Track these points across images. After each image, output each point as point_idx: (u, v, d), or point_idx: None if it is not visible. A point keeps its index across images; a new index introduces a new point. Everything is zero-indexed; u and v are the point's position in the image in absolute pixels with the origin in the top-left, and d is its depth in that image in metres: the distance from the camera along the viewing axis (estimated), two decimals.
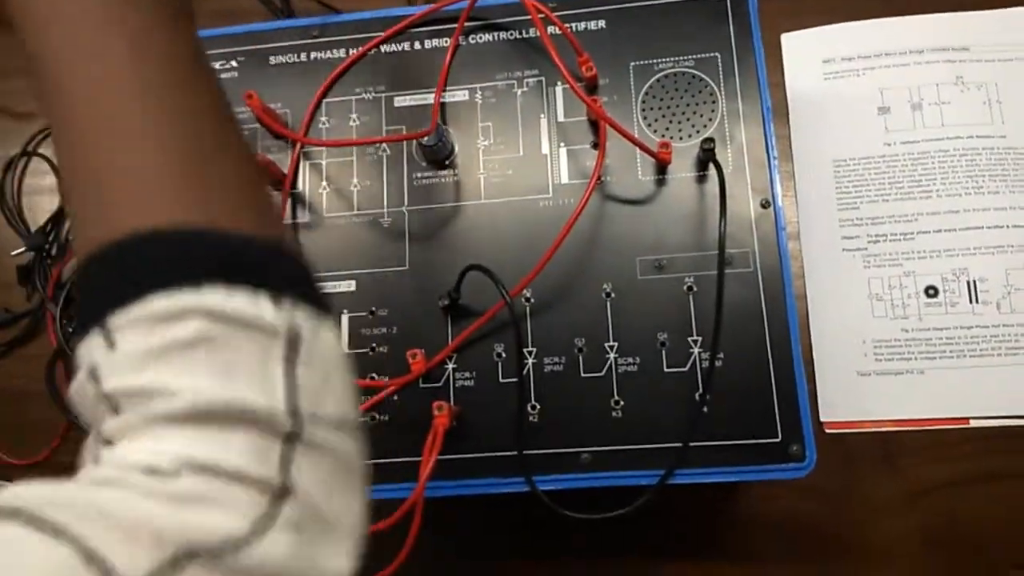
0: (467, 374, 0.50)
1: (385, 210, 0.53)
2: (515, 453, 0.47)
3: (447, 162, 0.53)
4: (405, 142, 0.54)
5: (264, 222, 0.29)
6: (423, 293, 0.51)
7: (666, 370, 0.48)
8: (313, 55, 0.57)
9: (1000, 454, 0.55)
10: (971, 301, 0.57)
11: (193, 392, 0.24)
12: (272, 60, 0.57)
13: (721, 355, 0.48)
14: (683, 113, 0.52)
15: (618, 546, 0.56)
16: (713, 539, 0.56)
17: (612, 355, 0.49)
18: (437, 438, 0.46)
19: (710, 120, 0.52)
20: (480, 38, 0.55)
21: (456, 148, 0.54)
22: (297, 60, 0.57)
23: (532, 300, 0.50)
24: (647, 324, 0.49)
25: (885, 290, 0.58)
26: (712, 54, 0.53)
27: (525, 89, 0.54)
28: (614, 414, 0.48)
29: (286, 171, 0.54)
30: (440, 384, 0.50)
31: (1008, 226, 0.57)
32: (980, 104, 0.60)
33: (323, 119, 0.55)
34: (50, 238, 0.67)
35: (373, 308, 0.51)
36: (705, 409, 0.47)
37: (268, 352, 0.25)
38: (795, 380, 0.47)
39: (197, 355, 0.24)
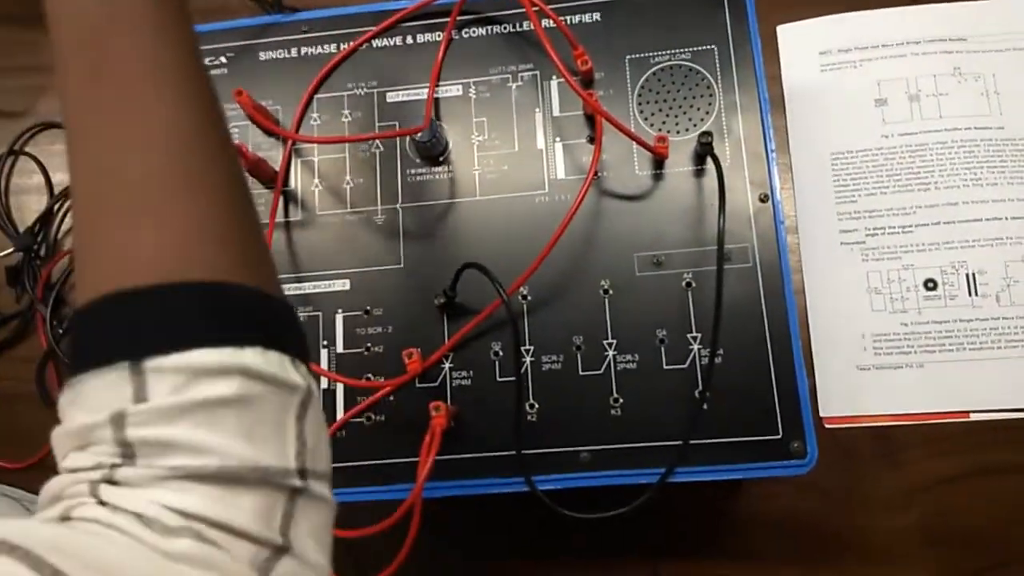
0: (464, 373, 0.49)
1: (379, 207, 0.52)
2: (514, 453, 0.47)
3: (441, 158, 0.53)
4: (398, 138, 0.53)
5: (273, 277, 0.30)
6: (418, 292, 0.50)
7: (665, 367, 0.48)
8: (304, 50, 0.56)
9: (1001, 447, 0.55)
10: (970, 294, 0.56)
11: (222, 454, 0.24)
12: (262, 56, 0.56)
13: (721, 352, 0.47)
14: (680, 107, 0.51)
15: (618, 545, 0.55)
16: (713, 538, 0.55)
17: (611, 353, 0.48)
18: (435, 439, 0.45)
19: (707, 114, 0.51)
20: (473, 32, 0.55)
21: (450, 144, 0.53)
22: (287, 56, 0.56)
23: (529, 298, 0.50)
24: (646, 321, 0.48)
25: (884, 284, 0.57)
26: (709, 46, 0.52)
27: (520, 83, 0.53)
28: (613, 412, 0.47)
29: (277, 169, 0.53)
30: (437, 384, 0.49)
31: (1007, 218, 0.57)
32: (978, 95, 0.59)
33: (314, 115, 0.55)
34: (39, 238, 0.66)
35: (368, 307, 0.51)
36: (705, 406, 0.46)
37: (287, 412, 0.26)
38: (795, 376, 0.46)
39: (230, 415, 0.25)
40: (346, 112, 0.54)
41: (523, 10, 0.51)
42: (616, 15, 0.53)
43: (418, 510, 0.44)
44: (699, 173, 0.50)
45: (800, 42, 0.63)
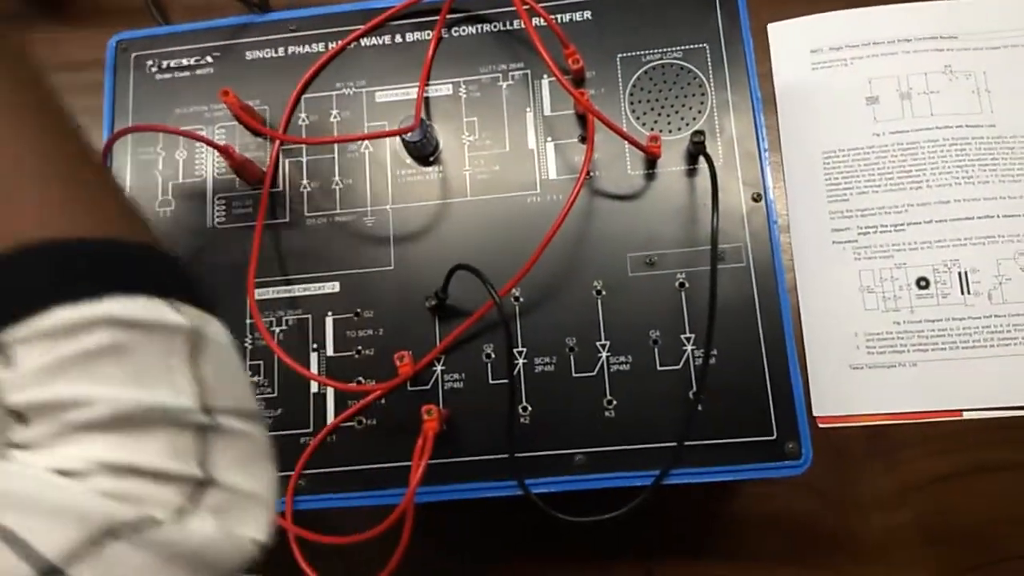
0: (456, 376, 0.49)
1: (368, 209, 0.52)
2: (507, 456, 0.46)
3: (431, 158, 0.52)
4: (388, 138, 0.53)
5: (136, 228, 0.30)
6: (409, 293, 0.50)
7: (659, 368, 0.47)
8: (291, 49, 0.55)
9: (994, 445, 0.55)
10: (963, 292, 0.56)
11: (111, 400, 0.24)
12: (248, 55, 0.55)
13: (715, 352, 0.47)
14: (672, 106, 0.51)
15: (613, 547, 0.55)
16: (707, 538, 0.55)
17: (604, 354, 0.48)
18: (427, 443, 0.44)
19: (699, 112, 0.51)
20: (463, 30, 0.54)
21: (441, 144, 0.52)
22: (275, 55, 0.55)
23: (521, 299, 0.49)
24: (639, 322, 0.48)
25: (876, 282, 0.57)
26: (700, 45, 0.52)
27: (510, 82, 0.53)
28: (607, 414, 0.47)
29: (265, 170, 0.53)
30: (428, 387, 0.49)
31: (998, 216, 0.57)
32: (969, 93, 0.59)
33: (302, 115, 0.54)
34: None
35: (358, 310, 0.50)
36: (699, 407, 0.46)
37: (172, 354, 0.26)
38: (790, 377, 0.46)
39: (107, 363, 0.25)
40: (335, 112, 0.54)
41: (513, 8, 0.51)
42: (607, 13, 0.53)
43: (411, 515, 0.44)
44: (692, 172, 0.50)
45: (791, 40, 0.62)
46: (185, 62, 0.55)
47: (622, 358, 0.48)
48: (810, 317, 0.57)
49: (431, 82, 0.53)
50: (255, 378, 0.50)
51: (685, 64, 0.51)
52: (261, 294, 0.51)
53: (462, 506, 0.47)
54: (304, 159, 0.53)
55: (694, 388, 0.47)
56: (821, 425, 0.56)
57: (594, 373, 0.48)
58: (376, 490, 0.47)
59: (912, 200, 0.58)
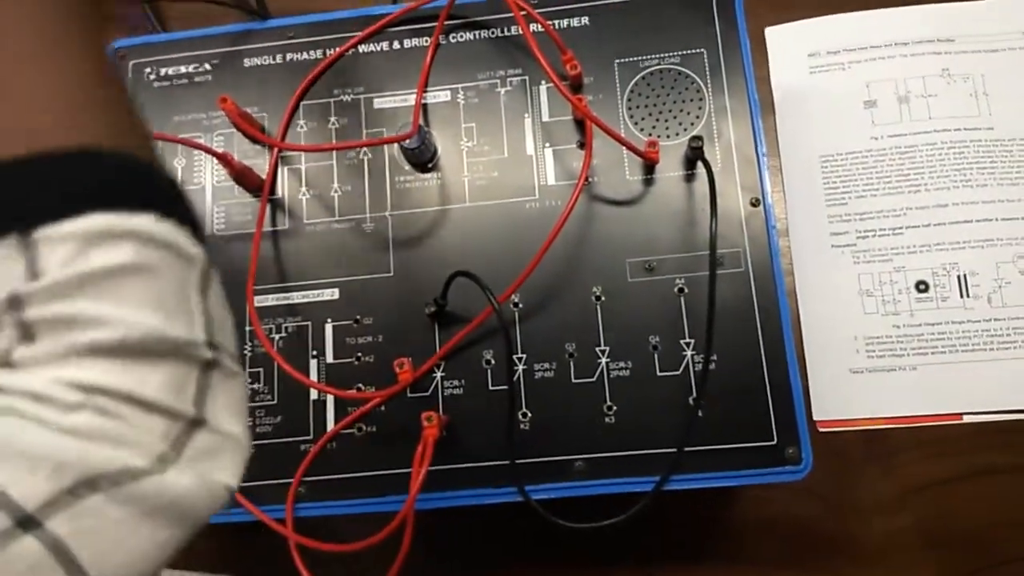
0: (456, 382, 0.49)
1: (367, 215, 0.52)
2: (507, 462, 0.46)
3: (430, 165, 0.52)
4: (386, 145, 0.53)
5: (153, 151, 0.29)
6: (409, 300, 0.50)
7: (659, 374, 0.47)
8: (289, 56, 0.55)
9: (994, 449, 0.55)
10: (962, 296, 0.56)
11: (126, 324, 0.24)
12: (247, 63, 0.55)
13: (714, 358, 0.47)
14: (670, 111, 0.51)
15: (613, 553, 0.55)
16: (708, 544, 0.55)
17: (604, 360, 0.48)
18: (427, 450, 0.44)
19: (697, 118, 0.51)
20: (461, 37, 0.54)
21: (439, 150, 0.52)
22: (273, 62, 0.55)
23: (521, 305, 0.49)
24: (638, 327, 0.48)
25: (875, 286, 0.57)
26: (698, 50, 0.52)
27: (508, 88, 0.53)
28: (607, 420, 0.47)
29: (264, 177, 0.53)
30: (428, 393, 0.49)
31: (997, 219, 0.57)
32: (967, 96, 0.59)
33: (301, 122, 0.54)
34: None
35: (357, 316, 0.50)
36: (699, 413, 0.46)
37: (187, 283, 0.26)
38: (790, 382, 0.46)
39: (132, 283, 0.24)
40: (333, 119, 0.54)
41: (511, 14, 0.51)
42: (605, 19, 0.53)
43: (411, 522, 0.44)
44: (690, 178, 0.50)
45: (789, 44, 0.63)
46: (183, 69, 0.55)
47: (622, 364, 0.48)
48: (809, 321, 0.57)
49: (429, 88, 0.53)
50: (254, 385, 0.50)
51: (683, 69, 0.52)
52: (260, 301, 0.51)
53: (462, 512, 0.47)
54: (303, 166, 0.53)
55: (694, 394, 0.47)
56: (821, 429, 0.56)
57: (594, 379, 0.48)
58: (376, 497, 0.47)
59: (911, 204, 0.58)
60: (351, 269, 0.51)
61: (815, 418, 0.56)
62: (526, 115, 0.52)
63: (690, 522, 0.55)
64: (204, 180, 0.53)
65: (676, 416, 0.47)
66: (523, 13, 0.50)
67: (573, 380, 0.48)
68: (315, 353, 0.50)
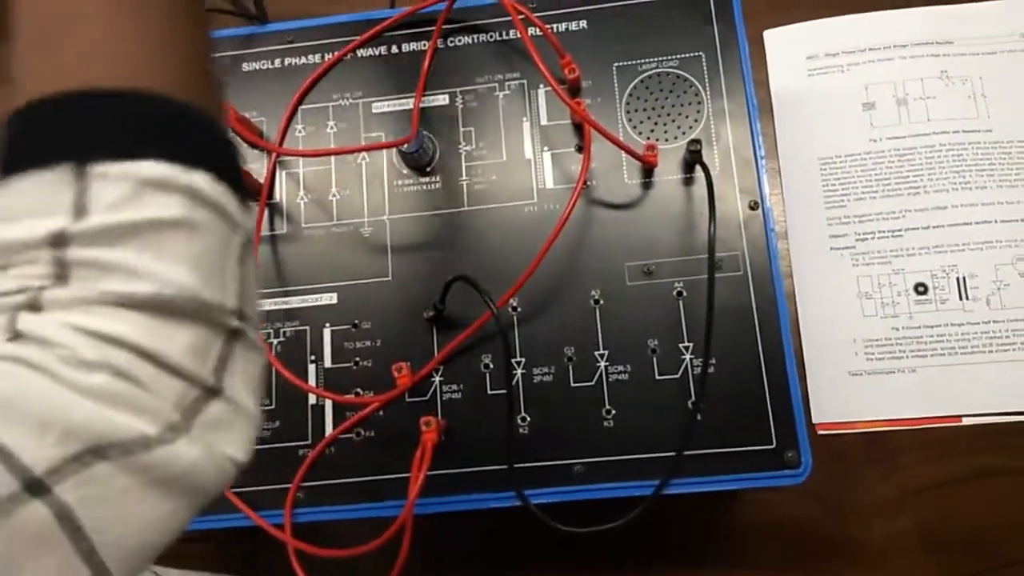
0: (454, 387, 0.49)
1: (366, 219, 0.52)
2: (506, 467, 0.46)
3: (428, 169, 0.52)
4: (385, 149, 0.53)
5: (224, 111, 0.29)
6: (407, 304, 0.50)
7: (658, 378, 0.47)
8: (288, 61, 0.55)
9: (993, 451, 0.54)
10: (961, 298, 0.56)
11: (162, 281, 0.23)
12: (245, 67, 0.55)
13: (713, 361, 0.47)
14: (668, 114, 0.51)
15: (613, 557, 0.55)
16: (707, 547, 0.55)
17: (602, 364, 0.48)
18: (426, 454, 0.44)
19: (696, 121, 0.51)
20: (459, 41, 0.54)
21: (437, 154, 0.52)
22: (271, 66, 0.55)
23: (519, 309, 0.49)
24: (637, 331, 0.48)
25: (874, 288, 0.57)
26: (696, 53, 0.52)
27: (507, 92, 0.53)
28: (606, 424, 0.47)
29: (262, 181, 0.53)
30: (427, 398, 0.49)
31: (996, 221, 0.57)
32: (965, 98, 0.59)
33: (299, 127, 0.54)
34: None
35: (356, 321, 0.50)
36: (698, 417, 0.46)
37: (229, 249, 0.25)
38: (788, 385, 0.46)
39: (175, 239, 0.24)
40: (331, 123, 0.54)
41: (509, 18, 0.51)
42: (603, 23, 0.53)
43: (410, 527, 0.44)
44: (688, 181, 0.50)
45: (787, 47, 0.63)
46: None
47: (620, 367, 0.48)
48: (809, 324, 0.57)
49: (427, 92, 0.53)
50: None
51: (681, 73, 0.52)
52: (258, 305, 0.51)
53: (462, 517, 0.47)
54: (301, 170, 0.53)
55: (693, 397, 0.47)
56: (820, 432, 0.56)
57: (593, 383, 0.48)
58: (375, 502, 0.47)
59: (910, 206, 0.58)
60: (349, 273, 0.51)
61: (815, 421, 0.56)
62: (524, 119, 0.52)
63: (690, 525, 0.55)
64: None
65: (675, 420, 0.46)
66: (521, 17, 0.50)
67: (572, 384, 0.48)
68: (313, 358, 0.50)
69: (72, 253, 0.22)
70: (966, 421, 0.55)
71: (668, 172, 0.50)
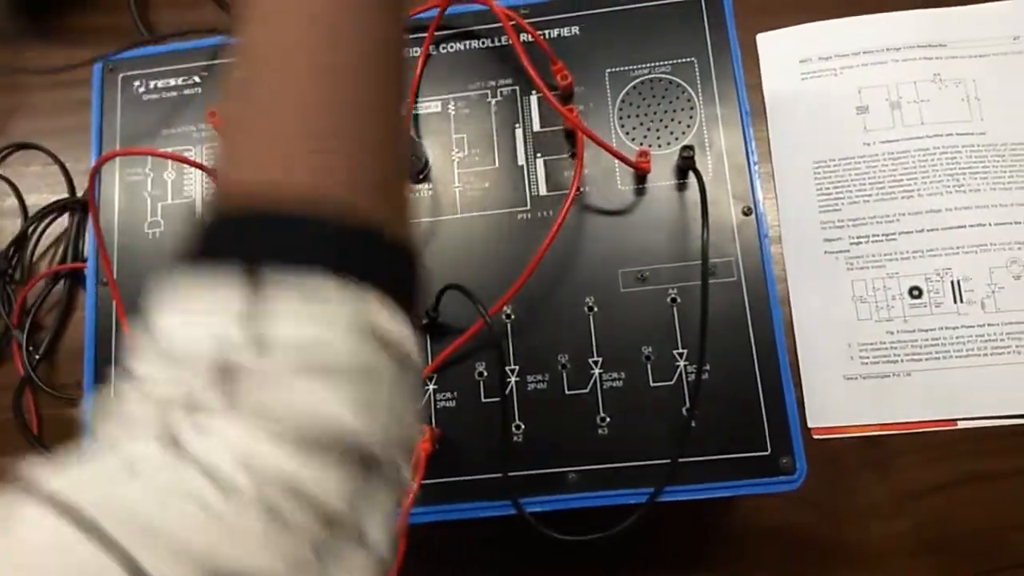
0: (448, 395, 0.48)
1: None
2: (500, 475, 0.46)
3: (421, 176, 0.52)
4: None
5: (412, 226, 0.28)
6: None
7: (652, 385, 0.47)
8: None
9: (989, 455, 0.54)
10: (955, 301, 0.56)
11: (340, 424, 0.22)
12: None
13: (707, 368, 0.47)
14: (661, 120, 0.51)
15: (608, 564, 0.55)
16: (703, 554, 0.55)
17: (597, 371, 0.48)
18: (420, 464, 0.44)
19: (688, 127, 0.51)
20: (451, 47, 0.54)
21: (430, 161, 0.52)
22: None
23: (513, 316, 0.49)
24: (631, 338, 0.48)
25: (869, 292, 0.57)
26: (689, 59, 0.52)
27: (499, 99, 0.53)
28: (600, 431, 0.47)
29: None
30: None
31: (990, 224, 0.57)
32: (959, 101, 0.59)
33: None
34: (13, 262, 0.64)
35: None
36: (693, 423, 0.46)
37: (399, 388, 0.24)
38: (783, 391, 0.46)
39: (347, 378, 0.23)
40: None
41: (501, 24, 0.51)
42: (595, 28, 0.53)
43: (403, 537, 0.43)
44: (682, 187, 0.50)
45: (780, 51, 0.62)
46: (172, 82, 0.55)
47: (615, 374, 0.48)
48: (803, 328, 0.57)
49: (419, 99, 0.53)
50: None
51: (674, 78, 0.51)
52: None
53: (457, 526, 0.47)
54: None
55: (687, 404, 0.46)
56: (816, 436, 0.56)
57: (587, 390, 0.48)
58: None
59: (904, 209, 0.58)
60: None
61: (810, 425, 0.56)
62: (517, 125, 0.52)
63: (686, 532, 0.55)
64: (194, 193, 0.53)
65: (670, 427, 0.46)
66: (513, 23, 0.50)
67: (566, 391, 0.48)
68: None
69: (250, 395, 0.22)
70: (961, 424, 0.55)
71: (661, 178, 0.50)
